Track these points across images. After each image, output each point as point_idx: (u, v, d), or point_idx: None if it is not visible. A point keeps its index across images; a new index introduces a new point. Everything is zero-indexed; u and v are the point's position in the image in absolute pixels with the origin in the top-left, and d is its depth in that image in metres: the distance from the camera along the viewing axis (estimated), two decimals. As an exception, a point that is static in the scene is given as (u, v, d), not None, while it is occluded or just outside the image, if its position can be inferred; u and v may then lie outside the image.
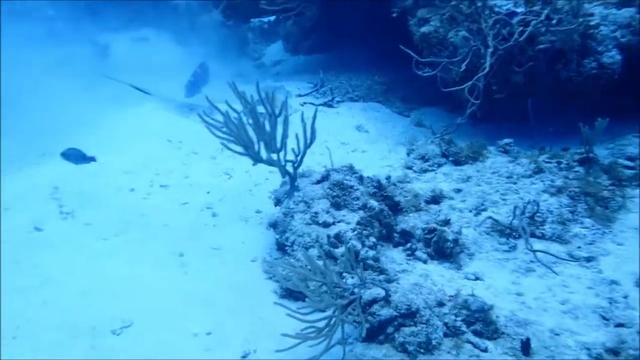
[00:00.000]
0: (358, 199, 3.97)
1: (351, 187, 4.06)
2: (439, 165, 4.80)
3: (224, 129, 4.20)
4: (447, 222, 3.97)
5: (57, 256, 4.14)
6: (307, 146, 4.14)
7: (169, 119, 6.76)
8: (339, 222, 3.85)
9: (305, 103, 6.94)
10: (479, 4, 4.91)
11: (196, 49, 13.44)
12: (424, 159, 4.85)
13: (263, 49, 13.52)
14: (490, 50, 4.65)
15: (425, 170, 4.78)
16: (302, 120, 4.09)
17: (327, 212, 3.92)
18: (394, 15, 6.66)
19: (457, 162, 4.78)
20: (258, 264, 4.09)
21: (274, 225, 4.12)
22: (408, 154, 5.09)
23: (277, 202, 4.37)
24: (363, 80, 7.42)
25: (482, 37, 4.80)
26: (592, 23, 5.23)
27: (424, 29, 5.62)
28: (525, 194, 4.09)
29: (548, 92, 5.23)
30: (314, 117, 4.07)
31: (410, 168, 4.84)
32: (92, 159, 5.28)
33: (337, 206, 3.95)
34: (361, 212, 3.89)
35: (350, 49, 10.37)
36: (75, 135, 6.46)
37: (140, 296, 3.73)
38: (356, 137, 6.05)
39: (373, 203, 3.96)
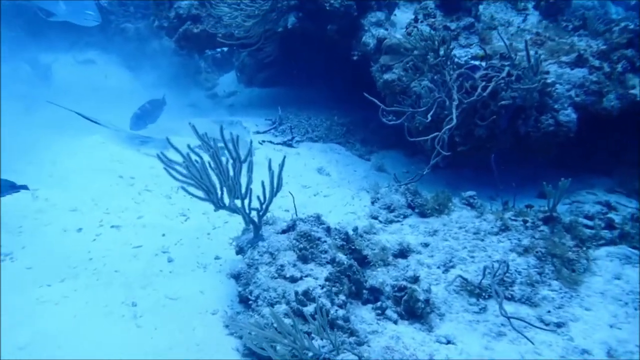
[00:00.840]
0: (326, 252, 3.84)
1: (318, 239, 3.93)
2: (405, 217, 4.75)
3: (184, 172, 3.99)
4: (416, 279, 3.90)
5: (-7, 305, 3.77)
6: (274, 194, 4.00)
7: (120, 151, 6.43)
8: (306, 276, 3.69)
9: (264, 141, 6.80)
10: (442, 54, 4.97)
11: (146, 75, 13.09)
12: (389, 209, 4.80)
13: (216, 78, 13.33)
14: (455, 103, 4.70)
15: (391, 221, 4.71)
16: (270, 168, 3.94)
17: (294, 265, 3.75)
18: (355, 58, 6.69)
19: (422, 214, 4.75)
20: (218, 318, 3.85)
21: (236, 276, 3.91)
22: (373, 203, 5.02)
23: (240, 250, 4.17)
24: (322, 120, 7.37)
25: (447, 90, 4.86)
26: (548, 81, 5.42)
27: (387, 76, 5.64)
28: (493, 252, 4.09)
29: (507, 145, 5.34)
30: (282, 165, 3.94)
31: (375, 218, 4.77)
32: (24, 187, 4.86)
33: (304, 259, 3.80)
34: (329, 267, 3.76)
35: (306, 85, 10.38)
36: (11, 164, 6.03)
37: (88, 353, 3.42)
38: (318, 180, 5.95)
39: (342, 257, 3.84)
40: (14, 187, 4.84)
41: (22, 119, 7.88)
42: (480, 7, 6.79)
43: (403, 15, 7.00)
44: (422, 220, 4.69)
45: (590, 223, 4.50)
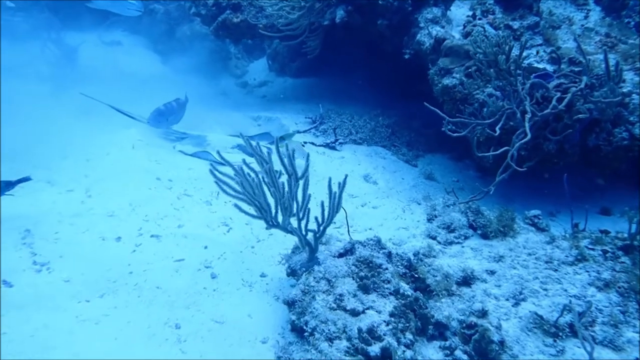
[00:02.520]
0: (389, 281, 3.51)
1: (380, 266, 3.60)
2: (466, 238, 4.39)
3: (236, 186, 3.68)
4: (484, 313, 3.56)
5: (30, 321, 3.52)
6: (333, 216, 3.67)
7: (156, 150, 6.12)
8: (368, 309, 3.37)
9: (305, 142, 6.44)
10: (513, 61, 4.56)
11: (175, 59, 12.77)
12: (449, 228, 4.44)
13: (246, 65, 12.97)
14: (528, 116, 4.29)
15: (451, 242, 4.36)
16: (330, 187, 3.61)
17: (354, 295, 3.44)
18: (406, 56, 6.28)
19: (485, 235, 4.39)
20: (269, 347, 3.57)
21: (290, 303, 3.60)
22: (429, 220, 4.68)
23: (292, 273, 3.87)
24: (366, 120, 6.97)
25: (518, 100, 4.44)
26: (624, 90, 4.97)
27: (447, 81, 5.23)
28: (569, 285, 3.71)
29: (576, 159, 4.93)
30: (343, 185, 3.61)
31: (434, 238, 4.42)
32: (25, 179, 4.56)
33: (365, 289, 3.47)
34: (393, 299, 3.43)
35: (340, 76, 9.99)
36: (45, 158, 5.77)
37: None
38: (365, 189, 5.59)
39: (406, 288, 3.50)
40: (9, 185, 4.55)
41: (50, 103, 7.63)
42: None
43: (458, 11, 6.55)
44: (485, 243, 4.33)
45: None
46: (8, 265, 4.04)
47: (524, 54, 5.35)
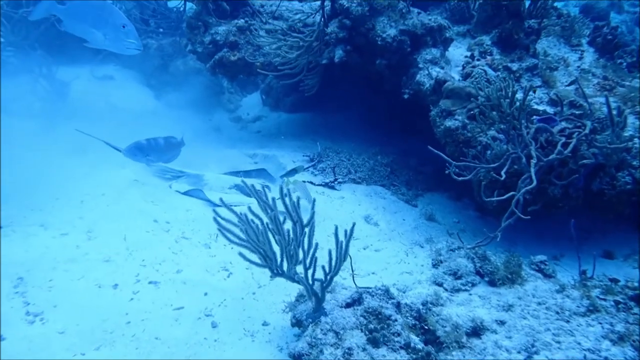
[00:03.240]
0: (399, 334, 3.40)
1: (389, 317, 3.49)
2: (473, 285, 4.30)
3: (239, 233, 3.57)
4: (497, 368, 3.45)
5: (23, 380, 3.36)
6: (341, 265, 3.57)
7: (152, 190, 6.00)
8: (378, 364, 3.25)
9: (304, 182, 6.36)
10: (518, 106, 4.55)
11: (168, 94, 12.73)
12: (455, 275, 4.35)
13: (239, 99, 12.94)
14: (534, 161, 4.26)
15: (458, 290, 4.26)
16: (336, 235, 3.52)
17: (364, 349, 3.31)
18: (406, 96, 6.28)
19: (492, 283, 4.30)
20: (274, 405, 3.43)
21: (296, 357, 3.46)
22: (435, 266, 4.59)
23: (297, 323, 3.74)
24: (365, 159, 6.91)
25: (523, 145, 4.42)
26: (626, 134, 4.98)
27: (449, 124, 5.21)
28: (582, 338, 3.62)
29: (580, 203, 4.89)
30: (351, 232, 3.53)
31: (440, 285, 4.32)
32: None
33: (375, 342, 3.35)
34: (404, 353, 3.31)
35: (336, 111, 10.00)
36: (38, 199, 5.62)
37: None
38: (366, 231, 5.50)
39: (416, 341, 3.40)
40: None
41: (42, 140, 7.50)
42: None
43: (456, 51, 6.60)
44: (492, 291, 4.24)
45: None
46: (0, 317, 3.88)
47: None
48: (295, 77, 6.79)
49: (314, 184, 6.35)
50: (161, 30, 13.77)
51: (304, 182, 6.35)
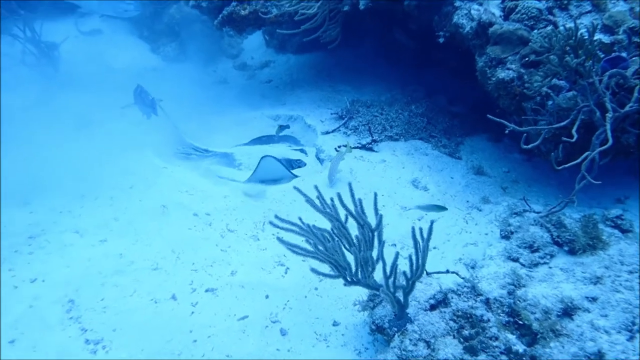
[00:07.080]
0: (496, 338, 3.14)
1: (481, 318, 3.23)
2: (552, 256, 3.99)
3: (309, 248, 3.25)
4: (601, 356, 3.21)
5: None
6: (423, 269, 3.27)
7: (183, 176, 5.61)
8: (479, 375, 3.02)
9: (340, 146, 5.93)
10: (585, 52, 4.04)
11: (164, 46, 12.02)
12: (531, 248, 4.03)
13: (240, 42, 12.17)
14: (609, 115, 3.83)
15: (537, 264, 3.96)
16: (413, 235, 3.20)
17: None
18: (441, 40, 5.71)
19: (572, 251, 3.99)
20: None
21: (386, 371, 3.25)
22: (505, 237, 4.28)
23: (379, 329, 3.48)
24: (398, 111, 6.37)
25: (595, 96, 3.96)
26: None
27: (502, 75, 4.69)
28: (688, 313, 3.37)
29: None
30: (429, 234, 3.21)
31: (516, 260, 4.02)
32: None
33: (472, 351, 3.10)
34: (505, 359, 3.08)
35: (347, 46, 9.35)
36: (63, 198, 5.26)
37: None
38: (417, 199, 5.13)
39: (515, 342, 3.14)
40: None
41: (43, 117, 6.98)
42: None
43: (489, -19, 5.92)
44: (574, 261, 3.93)
45: None
46: (60, 348, 3.65)
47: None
48: (316, 32, 6.19)
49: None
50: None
51: (340, 146, 5.93)
